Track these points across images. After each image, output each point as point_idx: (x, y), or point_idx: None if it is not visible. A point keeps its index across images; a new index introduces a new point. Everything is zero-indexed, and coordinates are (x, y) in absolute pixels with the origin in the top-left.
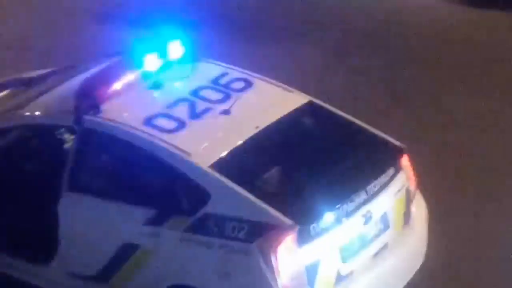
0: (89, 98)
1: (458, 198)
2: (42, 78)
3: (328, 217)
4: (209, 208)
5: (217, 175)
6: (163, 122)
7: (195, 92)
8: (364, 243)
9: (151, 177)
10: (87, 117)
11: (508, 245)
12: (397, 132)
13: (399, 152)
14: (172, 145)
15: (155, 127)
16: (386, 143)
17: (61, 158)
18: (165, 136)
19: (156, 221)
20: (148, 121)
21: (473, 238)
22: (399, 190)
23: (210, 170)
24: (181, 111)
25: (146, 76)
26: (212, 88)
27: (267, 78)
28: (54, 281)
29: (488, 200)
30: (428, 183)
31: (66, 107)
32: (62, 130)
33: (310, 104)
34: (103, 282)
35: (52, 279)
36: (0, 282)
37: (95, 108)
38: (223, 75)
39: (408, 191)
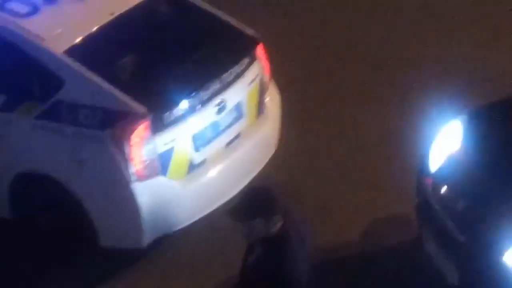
0: None
1: (313, 89)
2: None
3: (182, 105)
4: (62, 94)
5: (70, 61)
6: (16, 6)
7: None
8: (217, 132)
9: (3, 62)
10: None
11: (362, 136)
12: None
13: (254, 42)
14: (25, 29)
15: (7, 10)
16: (242, 32)
17: None
18: (18, 20)
19: (6, 107)
20: (0, 5)
21: (327, 128)
22: (253, 80)
23: (63, 56)
24: None
25: None
26: None
27: None
28: None
29: (344, 89)
30: (282, 73)
31: None
32: None
33: None
34: None
35: None
36: None
37: None
38: None
39: (262, 81)
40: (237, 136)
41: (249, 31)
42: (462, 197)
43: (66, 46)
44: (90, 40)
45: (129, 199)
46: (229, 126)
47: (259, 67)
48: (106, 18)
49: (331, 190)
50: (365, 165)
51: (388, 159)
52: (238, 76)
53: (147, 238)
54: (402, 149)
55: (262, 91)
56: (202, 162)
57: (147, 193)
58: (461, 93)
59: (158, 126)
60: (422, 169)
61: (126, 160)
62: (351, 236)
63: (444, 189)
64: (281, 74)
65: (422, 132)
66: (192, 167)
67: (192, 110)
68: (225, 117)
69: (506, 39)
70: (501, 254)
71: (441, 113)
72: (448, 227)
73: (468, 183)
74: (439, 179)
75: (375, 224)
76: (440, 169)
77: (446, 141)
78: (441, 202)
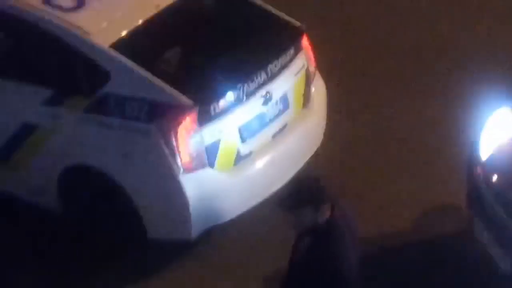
0: None
1: (358, 80)
2: None
3: (228, 97)
4: (109, 88)
5: (117, 54)
6: (62, 1)
7: None
8: (264, 123)
9: (51, 57)
10: None
11: (407, 127)
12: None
13: (299, 32)
14: (71, 24)
15: (54, 6)
16: (286, 23)
17: None
18: (64, 15)
19: (55, 101)
20: (48, 0)
21: (373, 119)
22: (299, 71)
23: (110, 50)
24: None
25: None
26: None
27: None
28: None
29: (388, 80)
30: (328, 64)
31: None
32: None
33: None
34: (2, 162)
35: None
36: None
37: None
38: None
39: (308, 72)
40: (283, 128)
41: (294, 22)
42: None
43: (113, 39)
44: (136, 33)
45: (177, 191)
46: (275, 117)
47: (304, 58)
48: (151, 11)
49: (378, 182)
50: (412, 157)
51: (437, 150)
52: (283, 67)
53: (195, 230)
54: (450, 139)
55: (308, 82)
56: (249, 154)
57: (195, 185)
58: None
59: (205, 118)
60: (472, 158)
61: (173, 152)
62: (402, 228)
63: (495, 177)
64: (325, 65)
65: (470, 121)
66: (239, 158)
67: (238, 101)
68: (271, 109)
69: None
70: None
71: (489, 101)
72: (499, 214)
73: None
74: (490, 167)
75: (425, 215)
76: (490, 157)
77: (496, 129)
78: (492, 190)
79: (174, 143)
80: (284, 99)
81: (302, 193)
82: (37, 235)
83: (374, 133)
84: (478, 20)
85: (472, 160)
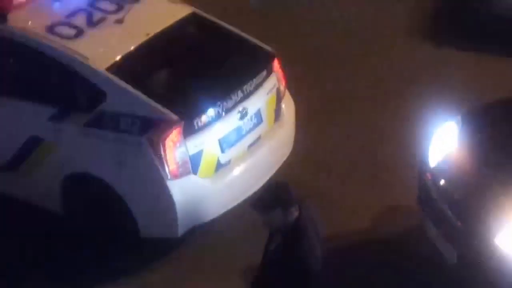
0: None
1: (323, 97)
2: None
3: (209, 113)
4: (105, 105)
5: (112, 76)
6: (64, 30)
7: (92, 3)
8: (240, 135)
9: (54, 79)
10: None
11: (366, 137)
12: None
13: (271, 56)
14: (72, 50)
15: (57, 34)
16: (260, 48)
17: None
18: (66, 42)
19: (59, 117)
20: (51, 29)
21: (336, 130)
22: (271, 90)
23: (106, 72)
24: (80, 20)
25: None
26: (106, 0)
27: None
28: None
29: (350, 97)
30: (297, 84)
31: None
32: None
33: (193, 14)
34: (12, 170)
35: None
36: None
37: (2, 17)
38: None
39: (279, 91)
40: (257, 139)
41: (267, 48)
42: (458, 188)
43: (108, 63)
44: (129, 58)
45: (165, 195)
46: (251, 130)
47: (275, 79)
48: (142, 38)
49: (341, 185)
50: (370, 164)
51: (391, 159)
52: (257, 86)
53: (181, 229)
54: (402, 149)
55: (278, 99)
56: (228, 162)
57: (180, 189)
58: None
59: (189, 131)
60: (423, 165)
61: (161, 161)
62: (360, 226)
63: (442, 181)
64: (292, 82)
65: (421, 133)
66: (219, 166)
67: (218, 117)
68: (247, 123)
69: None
70: (493, 236)
71: (437, 116)
72: (446, 214)
73: (463, 176)
74: (438, 173)
75: (382, 215)
76: (438, 164)
77: (443, 140)
78: (440, 193)
79: (162, 153)
80: (258, 114)
81: (272, 196)
82: (40, 236)
83: (338, 142)
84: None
85: (422, 167)
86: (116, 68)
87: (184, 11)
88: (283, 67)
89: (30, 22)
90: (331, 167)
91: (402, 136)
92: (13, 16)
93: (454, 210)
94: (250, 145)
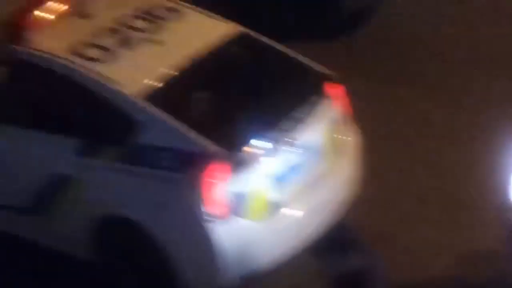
0: (18, 28)
1: (391, 125)
2: None
3: (259, 145)
4: (140, 138)
5: (147, 105)
6: (92, 52)
7: (124, 22)
8: (295, 172)
9: (81, 107)
10: (16, 47)
11: (439, 171)
12: (331, 61)
13: (330, 80)
14: (101, 75)
15: (84, 56)
16: (317, 72)
17: None
18: (94, 66)
19: (87, 152)
20: (77, 51)
21: (406, 165)
22: (331, 119)
23: (140, 100)
24: (110, 41)
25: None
26: (141, 18)
27: (197, 7)
28: None
29: (423, 123)
30: (361, 111)
31: None
32: None
33: (241, 33)
34: (35, 214)
35: None
36: None
37: (24, 38)
38: (153, 4)
39: (340, 120)
40: (315, 176)
41: (324, 70)
42: None
43: (143, 90)
44: (167, 84)
45: (207, 240)
46: (307, 165)
47: (336, 106)
48: (181, 61)
49: (412, 228)
50: (446, 202)
51: (466, 195)
52: (314, 115)
53: (227, 279)
54: (478, 184)
55: (340, 130)
56: (281, 202)
57: (226, 234)
58: None
59: (235, 167)
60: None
61: (204, 201)
62: (433, 273)
63: None
64: (357, 113)
65: (498, 165)
66: (270, 207)
67: (269, 150)
68: (302, 157)
69: None
70: None
71: None
72: None
73: None
74: None
75: (459, 260)
76: None
77: None
78: None
79: (204, 192)
80: (316, 147)
81: (332, 241)
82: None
83: (410, 179)
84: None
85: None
86: (153, 95)
87: (230, 30)
88: (346, 93)
89: (54, 43)
90: (399, 207)
91: (476, 169)
92: (34, 36)
93: None
94: (307, 183)
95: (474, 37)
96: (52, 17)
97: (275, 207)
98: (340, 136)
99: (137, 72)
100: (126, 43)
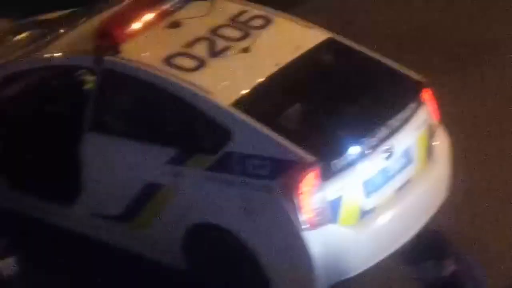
0: (108, 38)
1: (482, 132)
2: (61, 20)
3: (350, 152)
4: (231, 146)
5: (238, 113)
6: (182, 61)
7: (214, 31)
8: (387, 178)
9: (173, 116)
10: (107, 58)
11: None
12: (421, 66)
13: (420, 86)
14: (192, 84)
15: (175, 66)
16: (407, 77)
17: (82, 99)
18: (185, 75)
19: (178, 160)
20: (168, 61)
21: (498, 173)
22: (421, 125)
23: (231, 108)
24: (201, 50)
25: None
26: (231, 26)
27: (286, 15)
28: (78, 222)
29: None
30: (451, 117)
31: (86, 48)
32: (83, 71)
33: (330, 40)
34: (126, 221)
35: (76, 219)
36: (24, 224)
37: (115, 48)
38: (241, 12)
39: (430, 125)
40: (407, 182)
41: (415, 75)
42: None
43: (233, 98)
44: (256, 91)
45: (301, 248)
46: (399, 171)
47: (426, 111)
48: (271, 69)
49: (507, 234)
50: None
51: None
52: (405, 121)
53: (320, 286)
54: None
55: (430, 136)
56: (373, 208)
57: (319, 241)
58: None
59: (327, 174)
60: None
61: (296, 209)
62: None
63: None
64: (447, 118)
65: None
66: (363, 213)
67: (360, 156)
68: (394, 163)
69: None
70: None
71: None
72: None
73: None
74: None
75: None
76: None
77: None
78: None
79: (297, 200)
80: (407, 153)
81: (425, 247)
82: None
83: (503, 184)
84: None
85: None
86: (243, 104)
87: (319, 36)
88: (436, 98)
89: (144, 53)
90: (495, 212)
91: None
92: (125, 46)
93: None
94: (399, 189)
95: None
96: (142, 27)
97: (367, 213)
98: (432, 141)
99: (229, 81)
100: (217, 52)
